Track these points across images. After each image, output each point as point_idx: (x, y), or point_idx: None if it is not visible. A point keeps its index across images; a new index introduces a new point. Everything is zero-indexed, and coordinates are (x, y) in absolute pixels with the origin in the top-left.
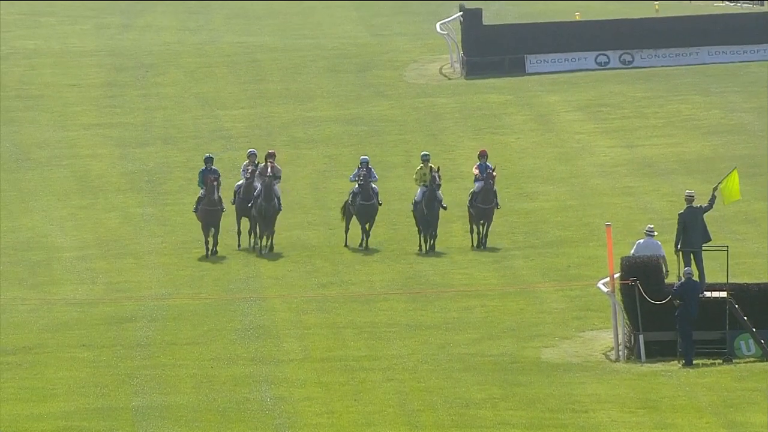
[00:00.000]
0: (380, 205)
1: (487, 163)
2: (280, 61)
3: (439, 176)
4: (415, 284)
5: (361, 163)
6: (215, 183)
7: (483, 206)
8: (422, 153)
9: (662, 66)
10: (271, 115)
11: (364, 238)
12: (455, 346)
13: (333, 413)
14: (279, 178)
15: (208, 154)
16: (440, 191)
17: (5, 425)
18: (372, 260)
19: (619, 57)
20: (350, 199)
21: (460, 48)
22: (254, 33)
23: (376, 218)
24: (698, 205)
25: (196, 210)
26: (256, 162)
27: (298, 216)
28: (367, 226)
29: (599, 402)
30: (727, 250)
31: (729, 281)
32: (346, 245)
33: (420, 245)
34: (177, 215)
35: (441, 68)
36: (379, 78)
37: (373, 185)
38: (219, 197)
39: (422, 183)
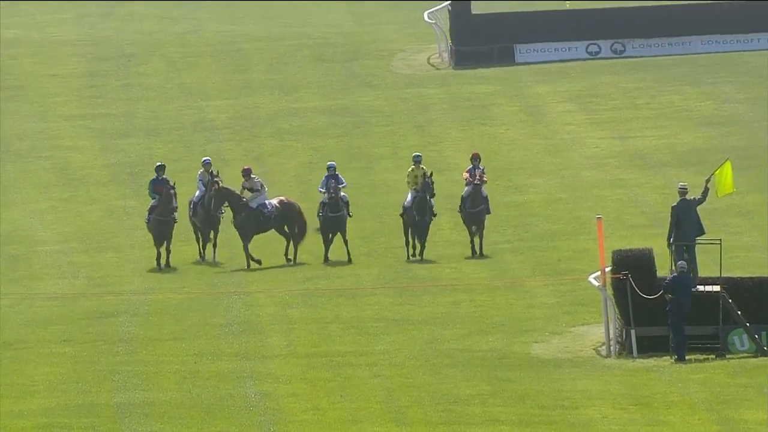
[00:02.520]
0: (350, 216)
1: (480, 166)
2: (265, 51)
3: (432, 181)
4: (402, 278)
5: (328, 170)
6: (172, 191)
7: (471, 210)
8: (414, 154)
9: (654, 56)
10: (255, 106)
11: (327, 251)
12: (443, 342)
13: (318, 409)
14: (258, 191)
15: (159, 163)
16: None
17: None
18: (358, 253)
19: (611, 46)
20: (319, 209)
21: (448, 37)
22: (238, 22)
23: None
24: (691, 198)
25: (148, 221)
26: (211, 171)
27: None
28: (331, 236)
29: (590, 398)
30: (721, 244)
31: (722, 275)
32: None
33: (408, 254)
34: None
35: (429, 58)
36: (365, 68)
37: (343, 194)
38: (173, 207)
39: (414, 186)
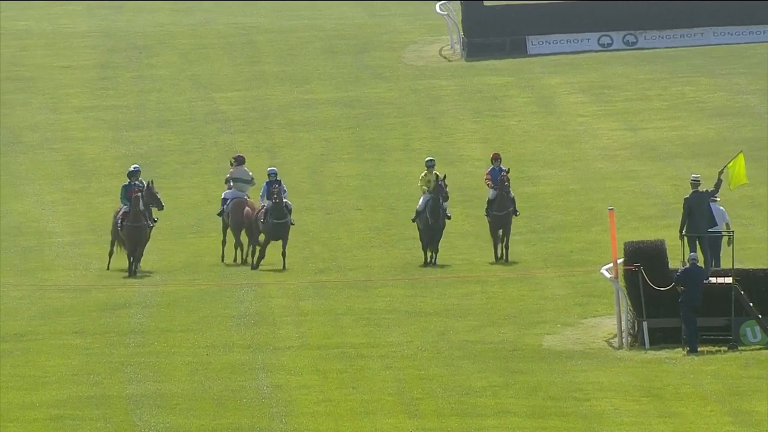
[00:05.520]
0: (293, 225)
1: (502, 167)
2: (277, 43)
3: (446, 184)
4: (414, 270)
5: (269, 176)
6: (139, 194)
7: (498, 213)
8: (427, 159)
9: (666, 47)
10: (267, 98)
11: (257, 257)
12: (455, 333)
13: (330, 401)
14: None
15: (133, 167)
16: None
17: None
18: (370, 245)
19: (623, 38)
20: (262, 216)
21: (460, 29)
22: (250, 14)
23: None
24: (704, 189)
25: (120, 227)
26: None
27: (295, 201)
28: (281, 242)
29: (602, 390)
30: (733, 235)
31: (734, 267)
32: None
33: (425, 258)
34: (171, 200)
35: (440, 50)
36: (377, 60)
37: (287, 201)
38: (144, 212)
39: (427, 190)
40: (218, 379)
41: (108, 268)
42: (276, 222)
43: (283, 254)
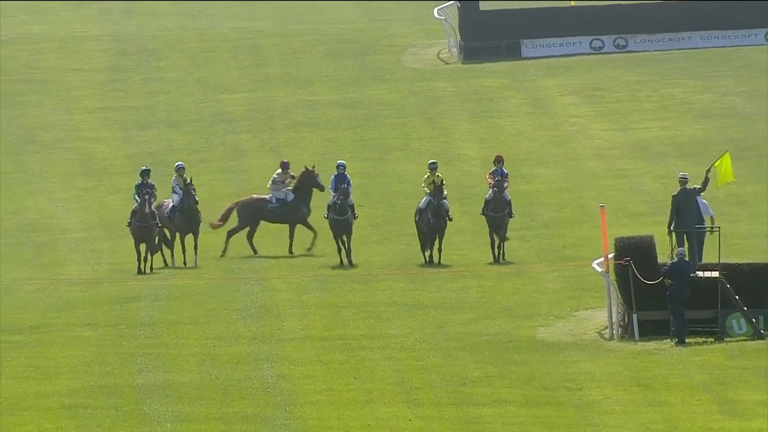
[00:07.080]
0: (356, 218)
1: (503, 169)
2: (281, 46)
3: (444, 184)
4: (413, 265)
5: (337, 168)
6: (146, 196)
7: (494, 215)
8: (430, 161)
9: (656, 50)
10: (271, 99)
11: (343, 252)
12: (452, 326)
13: (332, 391)
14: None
15: (144, 167)
16: (446, 201)
17: (11, 403)
18: (371, 241)
19: (614, 41)
20: (326, 212)
21: (458, 33)
22: (255, 18)
23: (354, 231)
24: (691, 187)
25: (129, 224)
26: (184, 177)
27: None
28: (344, 238)
29: (593, 380)
30: (719, 231)
31: (721, 261)
32: (341, 263)
33: (424, 258)
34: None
35: (438, 53)
36: (377, 62)
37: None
38: (152, 212)
39: (429, 192)
40: (225, 370)
41: (166, 263)
42: (336, 218)
43: (348, 249)
